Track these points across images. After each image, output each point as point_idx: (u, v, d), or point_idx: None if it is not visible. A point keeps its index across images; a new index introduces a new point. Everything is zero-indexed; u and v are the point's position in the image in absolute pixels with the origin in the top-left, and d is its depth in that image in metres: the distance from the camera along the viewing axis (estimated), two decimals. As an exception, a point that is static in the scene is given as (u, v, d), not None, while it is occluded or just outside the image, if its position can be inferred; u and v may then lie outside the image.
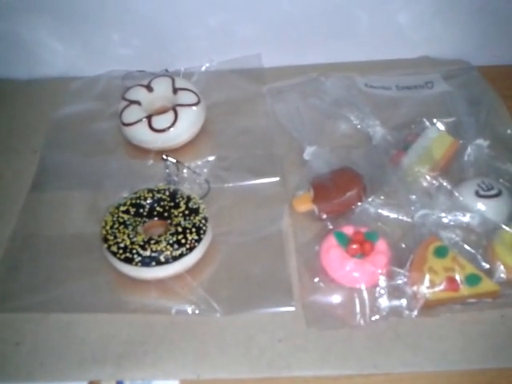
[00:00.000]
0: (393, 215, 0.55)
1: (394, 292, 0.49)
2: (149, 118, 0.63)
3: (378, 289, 0.50)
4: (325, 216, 0.56)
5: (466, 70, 0.73)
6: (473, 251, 0.52)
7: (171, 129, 0.63)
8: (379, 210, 0.55)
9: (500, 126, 0.65)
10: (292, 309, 0.50)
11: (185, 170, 0.60)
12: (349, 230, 0.53)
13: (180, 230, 0.52)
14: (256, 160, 0.63)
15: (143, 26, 0.70)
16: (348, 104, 0.67)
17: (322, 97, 0.69)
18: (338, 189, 0.57)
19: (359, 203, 0.56)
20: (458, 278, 0.49)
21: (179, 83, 0.67)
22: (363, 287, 0.50)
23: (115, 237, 0.52)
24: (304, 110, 0.67)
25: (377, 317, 0.49)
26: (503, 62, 0.75)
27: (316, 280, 0.51)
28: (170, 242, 0.51)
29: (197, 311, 0.50)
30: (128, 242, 0.51)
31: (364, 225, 0.54)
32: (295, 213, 0.58)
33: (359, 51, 0.74)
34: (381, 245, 0.52)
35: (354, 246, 0.51)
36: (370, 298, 0.49)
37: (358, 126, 0.65)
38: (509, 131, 0.65)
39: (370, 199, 0.56)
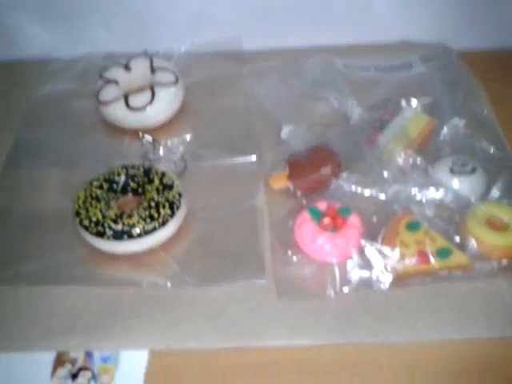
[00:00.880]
0: (367, 192, 0.55)
1: (366, 265, 0.49)
2: (125, 96, 0.62)
3: (349, 262, 0.49)
4: (300, 192, 0.56)
5: (444, 53, 0.72)
6: (445, 226, 0.52)
7: (148, 107, 0.62)
8: (353, 187, 0.55)
9: (476, 107, 0.65)
10: (263, 281, 0.49)
11: (161, 149, 0.60)
12: (322, 206, 0.53)
13: (153, 204, 0.51)
14: (233, 139, 0.62)
15: (122, 8, 0.70)
16: (326, 85, 0.67)
17: (301, 77, 0.68)
18: (312, 165, 0.56)
19: (334, 180, 0.55)
20: (428, 250, 0.49)
21: (157, 63, 0.66)
22: (335, 260, 0.50)
23: (87, 211, 0.51)
24: (283, 90, 0.66)
25: (347, 289, 0.48)
26: (483, 46, 0.74)
27: (289, 254, 0.51)
28: (143, 216, 0.50)
29: (168, 284, 0.49)
30: (100, 216, 0.50)
31: (338, 201, 0.53)
32: (271, 190, 0.57)
33: (339, 35, 0.73)
34: (353, 219, 0.51)
35: (326, 220, 0.51)
36: (341, 270, 0.49)
37: (336, 106, 0.65)
38: (485, 112, 0.64)
39: (344, 176, 0.55)
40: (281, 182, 0.57)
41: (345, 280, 0.49)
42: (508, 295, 0.48)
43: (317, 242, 0.50)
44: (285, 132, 0.61)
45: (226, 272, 0.50)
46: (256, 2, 0.71)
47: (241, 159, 0.60)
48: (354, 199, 0.54)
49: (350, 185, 0.55)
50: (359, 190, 0.55)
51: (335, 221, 0.51)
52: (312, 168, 0.56)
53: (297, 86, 0.68)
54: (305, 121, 0.63)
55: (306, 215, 0.52)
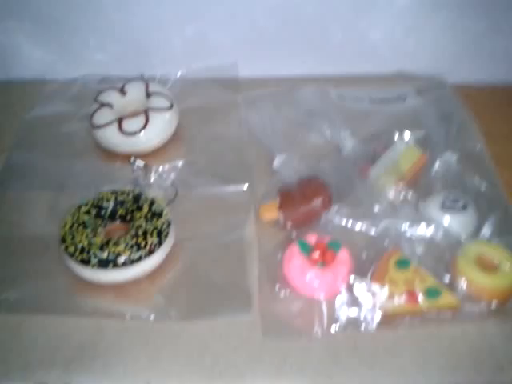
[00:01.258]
0: (357, 226, 0.54)
1: (354, 303, 0.48)
2: (119, 120, 0.62)
3: (337, 299, 0.48)
4: (290, 224, 0.55)
5: (438, 86, 0.73)
6: (435, 264, 0.51)
7: (141, 132, 0.61)
8: (344, 220, 0.54)
9: (469, 142, 0.64)
10: (249, 317, 0.48)
11: (152, 174, 0.59)
12: (312, 239, 0.52)
13: (141, 232, 0.50)
14: (225, 167, 0.62)
15: (120, 32, 0.70)
16: (320, 115, 0.66)
17: (295, 107, 0.68)
18: (303, 197, 0.56)
19: (324, 212, 0.55)
20: (417, 290, 0.48)
21: (153, 88, 0.66)
22: (322, 297, 0.49)
23: (73, 237, 0.50)
24: (276, 119, 0.66)
25: (335, 328, 0.47)
26: (476, 80, 0.74)
27: (277, 288, 0.50)
28: (130, 244, 0.49)
29: (152, 317, 0.48)
30: (86, 243, 0.49)
31: (329, 234, 0.52)
32: (262, 221, 0.56)
33: (333, 65, 0.73)
34: (343, 254, 0.51)
35: (316, 255, 0.50)
36: (328, 308, 0.48)
37: (329, 137, 0.64)
38: (478, 147, 0.64)
39: (335, 209, 0.55)
40: (271, 212, 0.56)
41: (332, 318, 0.48)
42: (497, 340, 0.47)
43: (305, 277, 0.49)
44: (277, 162, 0.60)
45: (212, 306, 0.49)
46: (252, 30, 0.71)
47: (232, 188, 0.59)
48: (344, 233, 0.53)
49: (340, 218, 0.54)
50: (350, 223, 0.54)
51: (324, 256, 0.50)
52: (303, 200, 0.55)
53: (291, 115, 0.67)
54: (298, 151, 0.62)
55: (295, 249, 0.51)
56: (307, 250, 0.51)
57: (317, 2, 0.68)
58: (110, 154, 0.62)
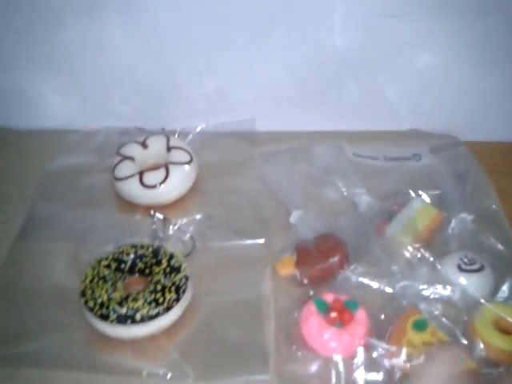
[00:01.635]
0: (374, 285, 0.54)
1: (372, 365, 0.47)
2: (140, 173, 0.63)
3: (355, 360, 0.48)
4: (306, 281, 0.55)
5: (453, 145, 0.74)
6: (452, 326, 0.50)
7: (161, 185, 0.63)
8: (361, 279, 0.54)
9: (485, 201, 0.65)
10: (267, 377, 0.47)
11: (171, 227, 0.60)
12: (329, 298, 0.52)
13: (159, 288, 0.51)
14: (243, 221, 0.63)
15: (143, 86, 0.72)
16: (336, 171, 0.67)
17: (311, 163, 0.69)
18: (320, 255, 0.56)
19: (341, 270, 0.55)
20: (436, 353, 0.47)
21: (173, 142, 0.68)
22: (340, 358, 0.48)
23: (93, 291, 0.50)
24: (293, 174, 0.67)
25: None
26: (490, 138, 0.75)
27: (293, 348, 0.50)
28: (148, 300, 0.49)
29: (169, 375, 0.47)
30: (105, 298, 0.50)
31: (345, 292, 0.52)
32: (278, 276, 0.56)
33: (349, 121, 0.75)
34: (360, 314, 0.50)
35: (333, 315, 0.50)
36: (346, 369, 0.47)
37: (345, 194, 0.65)
38: (493, 206, 0.64)
39: (352, 267, 0.55)
40: (288, 268, 0.57)
41: (350, 380, 0.47)
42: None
43: (322, 338, 0.49)
44: (294, 217, 0.61)
45: (228, 366, 0.48)
46: (271, 86, 0.73)
47: (249, 242, 0.60)
48: (361, 291, 0.53)
49: (357, 276, 0.54)
50: (366, 282, 0.54)
51: (342, 316, 0.50)
52: (320, 257, 0.56)
53: (306, 170, 0.69)
54: (313, 206, 0.63)
55: (312, 307, 0.51)
56: (324, 309, 0.51)
57: (335, 59, 0.70)
58: (130, 206, 0.64)
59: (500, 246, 0.59)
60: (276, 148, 0.71)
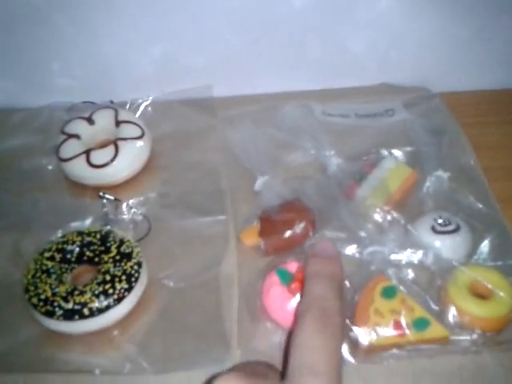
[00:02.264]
0: (342, 251, 0.50)
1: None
2: (87, 152, 0.58)
3: None
4: (271, 251, 0.52)
5: (427, 98, 0.69)
6: (424, 292, 0.47)
7: (111, 164, 0.58)
8: None
9: (462, 157, 0.61)
10: (229, 365, 0.44)
11: (124, 209, 0.55)
12: (292, 267, 0.48)
13: (108, 278, 0.46)
14: (202, 197, 0.58)
15: (85, 56, 0.66)
16: (304, 133, 0.62)
17: (277, 125, 0.64)
18: (284, 223, 0.52)
19: (307, 238, 0.51)
20: (404, 321, 0.44)
21: (122, 115, 0.62)
22: None
23: (36, 287, 0.46)
24: (258, 139, 0.62)
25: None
26: (461, 88, 0.71)
27: (256, 321, 0.47)
28: (96, 292, 0.45)
29: (125, 370, 0.44)
30: (49, 294, 0.45)
31: None
32: (243, 247, 0.53)
33: (314, 80, 0.70)
34: None
35: (294, 285, 0.46)
36: None
37: (313, 156, 0.61)
38: (471, 162, 0.61)
39: (319, 234, 0.51)
40: (252, 238, 0.53)
41: None
42: (492, 373, 0.44)
43: (285, 309, 0.45)
44: (259, 184, 0.57)
45: (189, 355, 0.45)
46: (226, 48, 0.67)
47: (209, 219, 0.56)
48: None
49: (323, 243, 0.51)
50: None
51: None
52: (284, 226, 0.52)
53: (272, 134, 0.63)
54: (280, 172, 0.59)
55: (274, 278, 0.47)
56: (287, 279, 0.47)
57: (289, 16, 0.64)
58: (78, 188, 0.59)
59: (478, 204, 0.55)
60: (239, 111, 0.66)
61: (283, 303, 0.46)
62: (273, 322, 0.47)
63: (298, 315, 0.32)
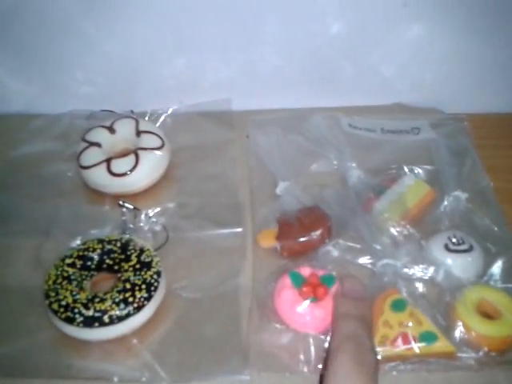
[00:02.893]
0: (355, 261, 0.51)
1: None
2: (108, 161, 0.59)
3: (326, 337, 0.45)
4: (286, 254, 0.53)
5: (454, 120, 0.69)
6: (433, 307, 0.48)
7: (131, 173, 0.58)
8: (341, 254, 0.51)
9: (482, 180, 0.61)
10: (246, 378, 0.44)
11: (142, 218, 0.56)
12: (305, 271, 0.49)
13: (128, 286, 0.47)
14: (219, 209, 0.58)
15: (108, 65, 0.67)
16: (329, 143, 0.64)
17: (303, 133, 0.65)
18: (302, 228, 0.53)
19: (323, 245, 0.52)
20: (412, 334, 0.45)
21: (143, 125, 0.63)
22: (311, 333, 0.46)
23: (57, 293, 0.47)
24: (284, 145, 0.63)
25: (321, 366, 0.44)
26: (476, 110, 0.71)
27: (265, 320, 0.48)
28: (116, 300, 0.46)
29: (143, 379, 0.44)
30: (70, 300, 0.46)
31: (325, 267, 0.50)
32: (259, 249, 0.54)
33: (342, 98, 0.70)
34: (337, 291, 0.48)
35: (306, 289, 0.47)
36: (317, 345, 0.45)
37: (336, 167, 0.62)
38: (491, 185, 0.61)
39: (334, 242, 0.52)
40: (269, 240, 0.54)
41: (320, 356, 0.45)
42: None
43: (295, 312, 0.46)
44: (280, 188, 0.58)
45: (205, 365, 0.45)
46: (252, 64, 0.67)
47: (226, 231, 0.56)
48: (341, 267, 0.50)
49: (338, 251, 0.51)
50: (348, 258, 0.51)
51: (316, 290, 0.47)
52: (301, 230, 0.53)
53: (298, 141, 0.65)
54: (302, 179, 0.60)
55: (286, 280, 0.48)
56: (299, 282, 0.48)
57: (323, 42, 0.65)
58: (98, 196, 0.59)
59: (493, 227, 0.56)
60: (268, 117, 0.67)
61: (293, 306, 0.46)
62: (282, 323, 0.47)
63: (330, 354, 0.32)
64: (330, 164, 0.62)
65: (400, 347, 0.45)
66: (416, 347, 0.45)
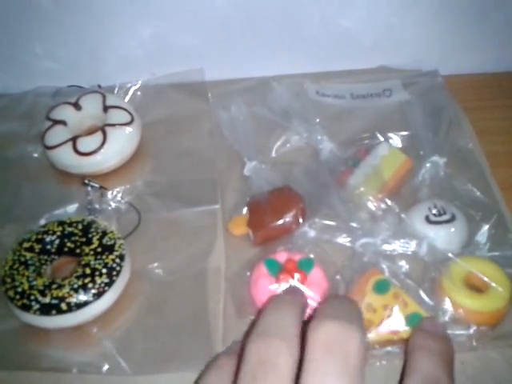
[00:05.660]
0: (333, 241, 0.46)
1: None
2: (74, 139, 0.53)
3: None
4: (260, 241, 0.48)
5: (428, 77, 0.63)
6: (418, 285, 0.43)
7: (99, 152, 0.53)
8: (318, 235, 0.46)
9: (461, 141, 0.55)
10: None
11: (110, 198, 0.51)
12: (281, 257, 0.44)
13: (88, 271, 0.42)
14: (194, 186, 0.53)
15: (69, 38, 0.60)
16: (297, 114, 0.57)
17: (269, 105, 0.59)
18: (274, 212, 0.48)
19: (297, 227, 0.47)
20: (396, 317, 0.40)
21: (110, 100, 0.57)
22: None
23: (13, 279, 0.42)
24: (249, 120, 0.57)
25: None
26: (465, 70, 0.65)
27: (243, 317, 0.43)
28: (75, 286, 0.41)
29: (103, 370, 0.40)
30: (26, 286, 0.41)
31: (301, 250, 0.45)
32: (231, 237, 0.49)
33: (310, 62, 0.64)
34: (315, 275, 0.43)
35: (282, 276, 0.42)
36: None
37: (306, 140, 0.56)
38: (470, 145, 0.55)
39: (310, 221, 0.47)
40: (240, 227, 0.49)
41: None
42: (499, 368, 0.40)
43: None
44: (248, 169, 0.52)
45: (171, 355, 0.41)
46: (219, 29, 0.61)
47: (201, 209, 0.51)
48: (318, 249, 0.45)
49: (315, 232, 0.46)
50: (325, 237, 0.46)
51: (293, 277, 0.42)
52: (273, 214, 0.48)
53: (264, 115, 0.58)
54: (270, 156, 0.55)
55: (262, 269, 0.43)
56: (276, 269, 0.43)
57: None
58: (65, 177, 0.54)
59: (476, 192, 0.50)
60: (229, 90, 0.61)
61: (271, 295, 0.41)
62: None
63: None
64: (299, 138, 0.56)
65: (385, 332, 0.40)
66: (402, 331, 0.40)
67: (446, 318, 0.41)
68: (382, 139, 0.55)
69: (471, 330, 0.41)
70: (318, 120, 0.56)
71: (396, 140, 0.55)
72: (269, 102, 0.59)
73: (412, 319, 0.40)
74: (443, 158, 0.52)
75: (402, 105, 0.60)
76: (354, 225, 0.46)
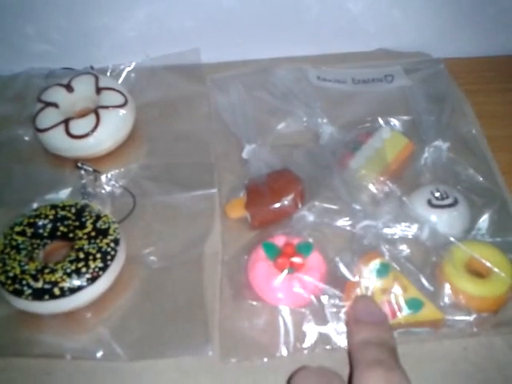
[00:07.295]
0: (333, 224, 0.45)
1: (324, 317, 0.39)
2: (66, 122, 0.52)
3: (305, 312, 0.40)
4: (257, 224, 0.46)
5: (430, 63, 0.61)
6: (418, 269, 0.42)
7: (92, 134, 0.51)
8: (318, 218, 0.45)
9: (463, 126, 0.54)
10: (210, 354, 0.39)
11: (103, 181, 0.50)
12: (280, 241, 0.43)
13: (82, 256, 0.41)
14: (190, 170, 0.52)
15: (62, 19, 0.58)
16: (296, 98, 0.56)
17: (269, 89, 0.58)
18: (272, 194, 0.47)
19: (296, 210, 0.46)
20: (397, 301, 0.39)
21: (103, 82, 0.55)
22: (288, 309, 0.40)
23: (4, 264, 0.41)
24: (247, 103, 0.55)
25: (302, 346, 0.39)
26: (466, 54, 0.64)
27: (240, 301, 0.42)
28: (68, 271, 0.40)
29: (98, 356, 0.39)
30: (18, 271, 0.40)
31: (300, 234, 0.44)
32: (229, 222, 0.47)
33: (310, 44, 0.62)
34: (314, 259, 0.42)
35: (281, 261, 0.41)
36: (296, 322, 0.40)
37: (305, 124, 0.54)
38: (473, 131, 0.54)
39: (309, 205, 0.46)
40: (238, 210, 0.48)
41: (300, 335, 0.39)
42: (501, 354, 0.39)
43: (270, 285, 0.40)
44: (247, 152, 0.51)
45: (166, 341, 0.40)
46: (216, 10, 0.59)
47: (197, 193, 0.50)
48: (317, 232, 0.44)
49: (314, 215, 0.45)
50: (325, 221, 0.45)
51: (292, 261, 0.41)
52: (272, 197, 0.47)
53: (263, 98, 0.57)
54: (269, 140, 0.53)
55: (260, 252, 0.42)
56: (274, 253, 0.42)
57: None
58: (58, 160, 0.52)
59: (479, 177, 0.49)
60: (228, 74, 0.59)
61: (269, 279, 0.41)
62: (258, 299, 0.41)
63: None
64: (300, 121, 0.55)
65: None
66: (401, 316, 0.39)
67: (447, 303, 0.41)
68: (383, 123, 0.54)
69: (473, 316, 0.40)
70: (318, 104, 0.55)
71: (397, 124, 0.54)
72: (268, 86, 0.58)
73: (411, 304, 0.39)
74: (446, 142, 0.51)
75: (403, 90, 0.59)
76: (356, 207, 0.45)
